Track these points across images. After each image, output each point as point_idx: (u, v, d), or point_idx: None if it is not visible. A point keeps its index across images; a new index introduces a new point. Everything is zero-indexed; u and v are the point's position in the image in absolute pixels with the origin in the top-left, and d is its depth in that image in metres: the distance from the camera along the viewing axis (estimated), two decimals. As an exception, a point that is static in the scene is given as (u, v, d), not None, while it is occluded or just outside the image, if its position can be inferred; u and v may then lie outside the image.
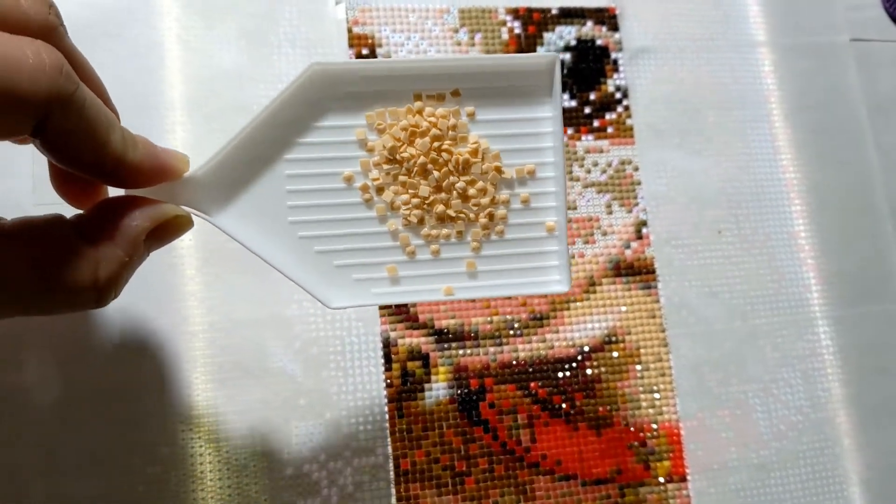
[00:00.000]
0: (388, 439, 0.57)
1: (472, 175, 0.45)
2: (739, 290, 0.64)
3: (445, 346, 0.59)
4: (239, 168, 0.43)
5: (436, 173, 0.45)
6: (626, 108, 0.66)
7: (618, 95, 0.66)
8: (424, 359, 0.58)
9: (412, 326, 0.59)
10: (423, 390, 0.58)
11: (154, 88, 0.60)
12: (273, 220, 0.43)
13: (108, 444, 0.54)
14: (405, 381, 0.58)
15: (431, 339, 0.59)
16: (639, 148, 0.65)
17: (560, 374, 0.60)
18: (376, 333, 0.59)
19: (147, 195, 0.41)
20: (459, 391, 0.59)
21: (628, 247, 0.63)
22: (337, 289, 0.44)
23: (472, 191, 0.45)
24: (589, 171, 0.64)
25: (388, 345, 0.58)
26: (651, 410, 0.61)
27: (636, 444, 0.60)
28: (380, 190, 0.44)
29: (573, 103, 0.66)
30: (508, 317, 0.61)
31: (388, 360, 0.58)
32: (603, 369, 0.61)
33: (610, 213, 0.64)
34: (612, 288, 0.62)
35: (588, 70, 0.66)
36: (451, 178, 0.44)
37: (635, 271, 0.63)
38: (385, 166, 0.44)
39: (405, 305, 0.59)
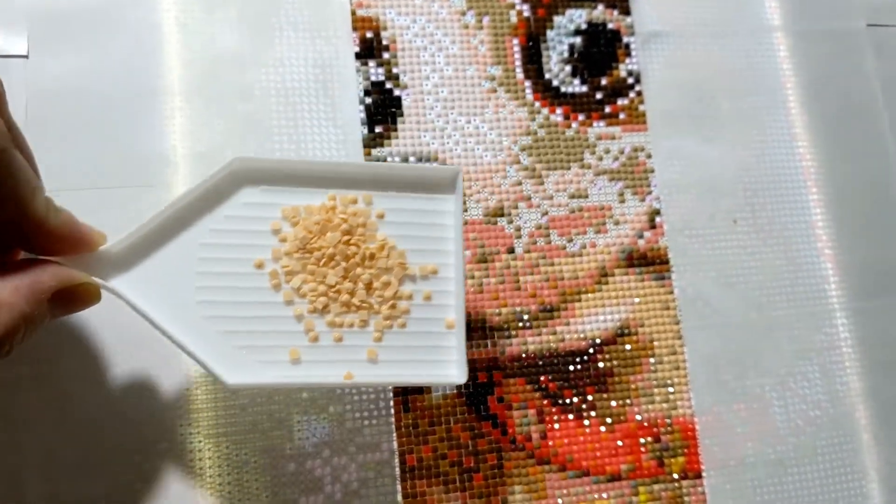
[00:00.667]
0: (394, 434, 0.55)
1: (377, 269, 0.48)
2: (755, 281, 0.62)
3: None
4: (153, 247, 0.45)
5: (343, 264, 0.48)
6: (639, 93, 0.64)
7: (630, 81, 0.64)
8: None
9: (418, 318, 0.56)
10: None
11: (152, 73, 0.57)
12: (181, 299, 0.45)
13: (105, 442, 0.51)
14: None
15: None
16: (652, 135, 0.63)
17: (571, 368, 0.58)
18: (381, 325, 0.56)
19: (60, 262, 0.42)
20: (467, 385, 0.56)
21: (641, 236, 0.61)
22: (237, 368, 0.45)
23: (377, 283, 0.48)
24: (601, 159, 0.62)
25: None
26: (665, 405, 0.58)
27: (650, 439, 0.58)
28: (289, 277, 0.47)
29: (584, 88, 0.63)
30: (518, 308, 0.58)
31: None
32: (615, 363, 0.58)
33: (622, 201, 0.61)
34: (624, 279, 0.60)
35: (599, 54, 0.64)
36: (358, 269, 0.48)
37: (648, 262, 0.60)
38: (296, 255, 0.47)
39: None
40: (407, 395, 0.55)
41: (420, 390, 0.56)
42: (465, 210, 0.54)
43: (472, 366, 0.57)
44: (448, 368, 0.48)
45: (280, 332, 0.47)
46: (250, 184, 0.48)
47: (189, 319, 0.45)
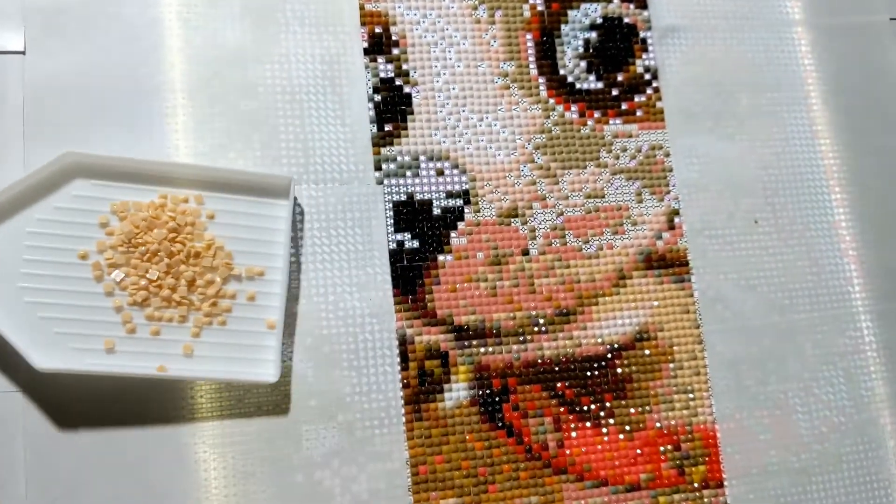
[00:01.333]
0: (406, 444, 0.52)
1: (202, 267, 0.49)
2: (777, 283, 0.60)
3: (466, 343, 0.54)
4: None
5: (167, 261, 0.49)
6: (656, 89, 0.61)
7: (647, 76, 0.61)
8: (443, 357, 0.54)
9: (430, 323, 0.54)
10: (442, 391, 0.54)
11: (153, 69, 0.55)
12: (4, 283, 0.47)
13: (108, 453, 0.49)
14: (423, 381, 0.53)
15: (451, 336, 0.54)
16: (670, 132, 0.60)
17: (588, 374, 0.55)
18: (391, 330, 0.54)
19: None
20: (481, 392, 0.54)
21: (660, 237, 0.58)
22: (51, 353, 0.47)
23: (200, 281, 0.49)
24: (617, 157, 0.59)
25: (404, 342, 0.53)
26: (685, 412, 0.56)
27: (670, 447, 0.55)
28: (111, 269, 0.48)
29: (600, 85, 0.60)
30: (533, 312, 0.55)
31: (404, 358, 0.53)
32: (634, 368, 0.56)
33: (640, 201, 0.59)
34: (642, 281, 0.57)
35: (615, 50, 0.61)
36: (182, 266, 0.49)
37: (667, 263, 0.58)
38: (120, 249, 0.48)
39: (422, 299, 0.54)
40: (419, 404, 0.53)
41: (431, 397, 0.53)
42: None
43: (487, 373, 0.54)
44: (264, 367, 0.50)
45: (97, 322, 0.49)
46: (83, 177, 0.50)
47: (11, 303, 0.47)
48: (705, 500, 0.55)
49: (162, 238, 0.50)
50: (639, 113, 0.60)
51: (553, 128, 0.59)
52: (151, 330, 0.49)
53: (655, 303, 0.58)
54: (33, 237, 0.49)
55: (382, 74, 0.57)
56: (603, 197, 0.58)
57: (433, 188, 0.56)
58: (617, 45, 0.61)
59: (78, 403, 0.50)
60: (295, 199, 0.53)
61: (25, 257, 0.48)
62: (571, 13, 0.61)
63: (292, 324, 0.53)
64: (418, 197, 0.56)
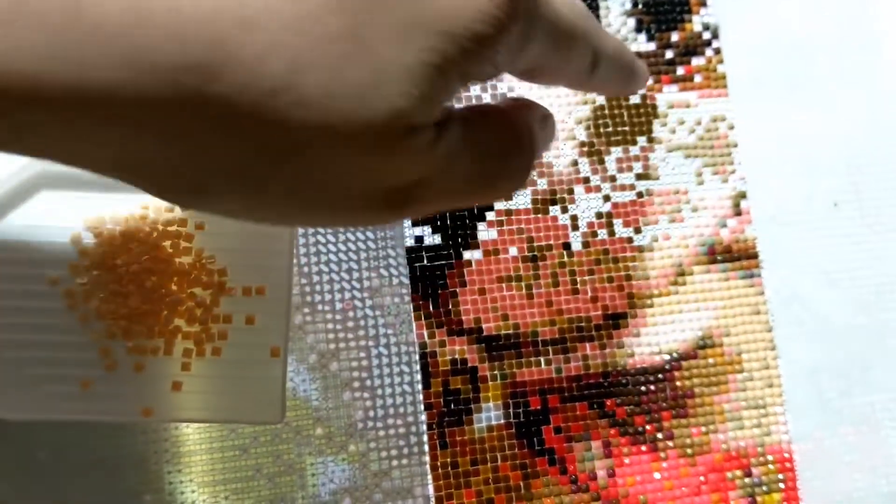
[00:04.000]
0: (429, 476, 0.44)
1: (190, 287, 0.41)
2: (863, 278, 0.50)
3: (497, 355, 0.46)
4: None
5: (150, 281, 0.41)
6: (717, 51, 0.50)
7: (706, 36, 0.51)
8: (472, 373, 0.45)
9: (455, 332, 0.45)
10: (470, 413, 0.45)
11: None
12: None
13: (81, 491, 0.41)
14: (448, 401, 0.45)
15: (480, 347, 0.45)
16: (734, 101, 0.50)
17: (643, 389, 0.47)
18: (411, 342, 0.44)
19: None
20: (516, 413, 0.45)
21: (724, 225, 0.48)
22: (21, 399, 0.39)
23: (189, 304, 0.41)
24: (673, 131, 0.49)
25: (425, 356, 0.44)
26: (757, 431, 0.47)
27: (739, 473, 0.47)
28: (87, 297, 0.40)
29: (651, 46, 0.50)
30: (576, 317, 0.45)
31: (426, 375, 0.45)
32: (696, 381, 0.47)
33: (701, 183, 0.48)
34: (705, 278, 0.48)
35: (668, 5, 0.50)
36: (165, 289, 0.41)
37: (734, 256, 0.48)
38: (95, 272, 0.40)
39: (446, 304, 0.44)
40: (444, 429, 0.43)
41: (458, 421, 0.43)
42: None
43: (523, 390, 0.44)
44: (266, 404, 0.41)
45: (73, 360, 0.40)
46: (52, 188, 0.42)
47: None
48: (781, 533, 0.45)
49: (142, 255, 0.41)
50: (697, 79, 0.50)
51: (597, 98, 0.48)
52: (134, 365, 0.40)
53: (720, 303, 0.48)
54: None
55: (395, 39, 0.47)
56: (657, 178, 0.49)
57: None
58: (671, -1, 0.50)
59: (47, 443, 0.41)
60: None
61: None
62: (616, -38, 0.50)
63: (298, 339, 0.43)
64: None
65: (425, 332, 0.45)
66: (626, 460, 0.45)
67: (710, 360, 0.47)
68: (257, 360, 0.42)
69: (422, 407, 0.44)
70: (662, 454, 0.46)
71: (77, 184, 0.42)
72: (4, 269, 0.41)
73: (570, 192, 0.48)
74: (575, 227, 0.47)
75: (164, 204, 0.42)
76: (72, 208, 0.42)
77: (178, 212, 0.43)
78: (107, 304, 0.41)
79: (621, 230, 0.48)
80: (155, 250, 0.42)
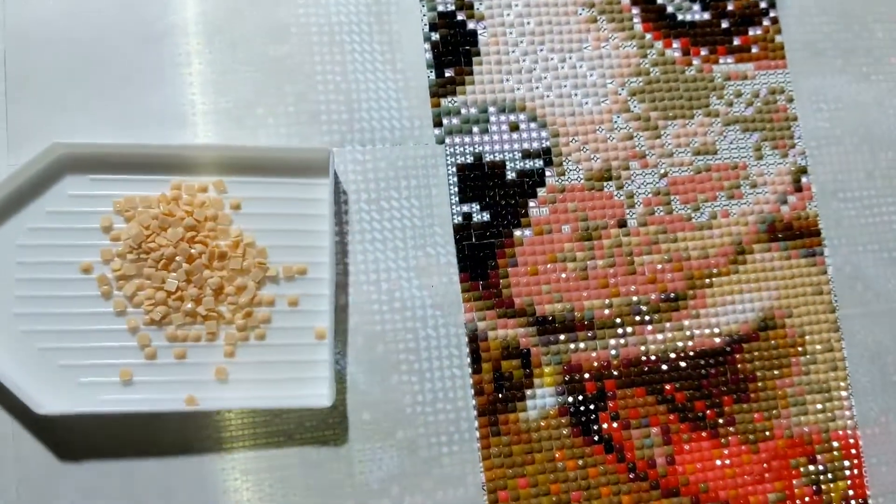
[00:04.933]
0: (481, 465, 0.42)
1: (230, 270, 0.40)
2: (930, 256, 0.46)
3: (551, 338, 0.43)
4: None
5: (187, 266, 0.39)
6: (774, 20, 0.47)
7: (763, 4, 0.48)
8: (524, 356, 0.42)
9: (506, 314, 0.42)
10: (523, 398, 0.42)
11: (160, 10, 0.42)
12: None
13: (116, 487, 0.39)
14: (500, 386, 0.42)
15: (532, 330, 0.42)
16: (792, 72, 0.47)
17: (703, 373, 0.43)
18: (460, 324, 0.41)
19: None
20: (572, 399, 0.43)
21: (785, 202, 0.45)
22: (56, 392, 0.38)
23: (229, 288, 0.40)
24: (731, 104, 0.46)
25: (475, 339, 0.41)
26: (821, 416, 0.45)
27: (803, 460, 0.44)
28: (121, 283, 0.39)
29: (706, 15, 0.47)
30: (633, 298, 0.43)
31: (476, 358, 0.42)
32: (757, 364, 0.45)
33: (760, 157, 0.45)
34: (765, 256, 0.45)
35: (723, -28, 0.47)
36: (206, 272, 0.40)
37: (795, 234, 0.45)
38: (129, 256, 0.39)
39: (496, 285, 0.41)
40: (496, 415, 0.41)
41: (511, 406, 0.41)
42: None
43: (578, 375, 0.41)
44: (315, 388, 0.39)
45: (109, 349, 0.39)
46: (76, 172, 0.40)
47: (3, 335, 0.38)
48: (847, 523, 0.42)
49: (178, 239, 0.39)
50: (755, 49, 0.47)
51: (651, 69, 0.46)
52: (175, 353, 0.39)
53: (782, 283, 0.44)
54: (25, 252, 0.39)
55: (441, 7, 0.45)
56: (715, 153, 0.46)
57: (506, 147, 0.44)
58: (726, -35, 0.47)
59: (82, 433, 0.39)
60: (336, 175, 0.42)
61: (18, 277, 0.39)
62: (668, -72, 0.47)
63: (342, 321, 0.40)
64: (488, 158, 0.43)
65: (475, 315, 0.42)
66: (686, 447, 0.43)
67: (772, 342, 0.44)
68: (303, 344, 0.40)
69: (472, 392, 0.42)
70: (723, 440, 0.43)
71: (103, 166, 0.40)
72: (34, 257, 0.39)
73: (626, 167, 0.45)
74: (631, 205, 0.44)
75: (196, 184, 0.40)
76: (100, 192, 0.40)
77: (212, 192, 0.41)
78: (143, 290, 0.40)
79: (679, 207, 0.45)
80: (191, 233, 0.40)
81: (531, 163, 0.44)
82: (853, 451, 0.44)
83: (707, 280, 0.44)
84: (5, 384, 0.37)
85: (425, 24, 0.45)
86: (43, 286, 0.39)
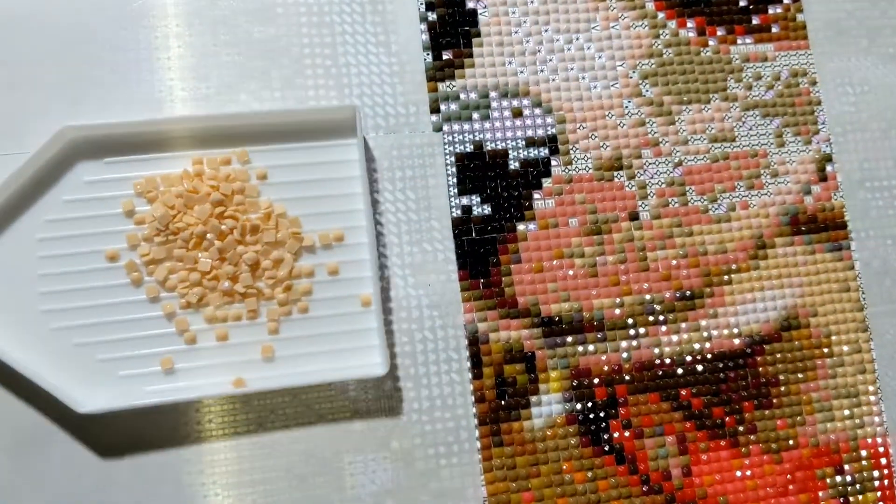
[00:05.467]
0: (482, 478, 0.39)
1: (264, 244, 0.38)
2: (964, 250, 0.42)
3: (558, 341, 0.40)
4: None
5: (218, 243, 0.38)
6: (796, -2, 0.44)
7: (783, -19, 0.44)
8: (528, 360, 0.40)
9: (509, 314, 0.39)
10: (528, 405, 0.39)
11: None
12: (21, 311, 0.36)
13: (100, 493, 0.36)
14: (502, 392, 0.39)
15: (537, 331, 0.40)
16: (815, 54, 0.44)
17: (721, 377, 0.40)
18: (459, 326, 0.39)
19: None
20: (580, 405, 0.40)
21: (808, 192, 0.42)
22: (97, 387, 0.36)
23: (265, 262, 0.38)
24: (750, 87, 0.42)
25: (476, 342, 0.39)
26: (848, 423, 0.42)
27: (830, 471, 0.41)
28: (151, 268, 0.37)
29: (723, -7, 0.43)
30: (647, 297, 0.39)
31: (476, 363, 0.39)
32: (780, 367, 0.42)
33: (781, 145, 0.42)
34: (788, 251, 0.42)
35: (741, -54, 0.44)
36: (239, 248, 0.38)
37: (820, 226, 0.42)
38: (157, 239, 0.37)
39: (498, 283, 0.38)
40: (498, 423, 0.38)
41: (514, 414, 0.38)
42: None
43: (586, 379, 0.38)
44: (367, 357, 0.38)
45: (147, 338, 0.37)
46: (89, 157, 0.38)
47: (33, 334, 0.36)
48: (877, 538, 0.39)
49: (206, 216, 0.38)
50: (775, 29, 0.45)
51: (664, 50, 0.43)
52: (217, 335, 0.37)
53: (806, 279, 0.42)
54: (46, 245, 0.38)
55: (438, -16, 0.41)
56: (733, 140, 0.43)
57: (509, 134, 0.41)
58: (744, -61, 0.44)
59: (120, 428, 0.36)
60: (364, 136, 0.39)
61: (41, 272, 0.37)
62: None
63: (386, 287, 0.40)
64: (489, 147, 0.41)
65: (475, 315, 0.39)
66: (704, 457, 0.39)
67: (796, 344, 0.41)
68: (349, 313, 0.39)
69: (472, 398, 0.38)
70: (744, 450, 0.40)
71: (117, 148, 0.38)
72: (56, 250, 0.37)
73: (638, 156, 0.41)
74: (643, 196, 0.41)
75: (219, 157, 0.39)
76: (117, 175, 0.38)
77: (235, 164, 0.39)
78: (175, 273, 0.38)
79: (695, 199, 0.42)
80: (219, 208, 0.38)
81: (536, 151, 0.41)
82: (883, 460, 0.41)
83: (725, 277, 0.41)
84: (44, 386, 0.35)
85: (422, 4, 0.42)
86: (69, 279, 0.37)
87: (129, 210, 0.38)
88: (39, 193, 0.37)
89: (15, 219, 0.37)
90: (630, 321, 0.40)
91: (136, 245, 0.38)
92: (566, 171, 0.41)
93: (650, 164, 0.42)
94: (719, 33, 0.44)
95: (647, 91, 0.42)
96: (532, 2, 0.42)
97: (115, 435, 0.36)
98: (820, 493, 0.40)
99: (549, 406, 0.39)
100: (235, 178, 0.38)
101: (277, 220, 0.38)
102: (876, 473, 0.41)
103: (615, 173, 0.41)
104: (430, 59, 0.41)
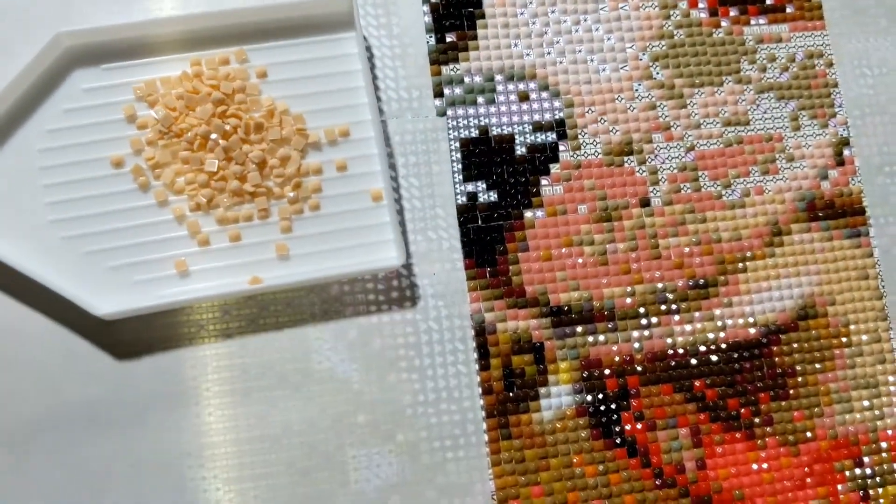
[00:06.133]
0: (490, 472, 0.37)
1: (270, 142, 0.38)
2: None
3: (567, 331, 0.39)
4: None
5: (223, 143, 0.37)
6: (811, -24, 0.42)
7: (798, -41, 0.42)
8: (537, 351, 0.38)
9: (517, 304, 0.38)
10: (536, 397, 0.38)
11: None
12: (29, 222, 0.36)
13: (102, 490, 0.35)
14: (510, 384, 0.38)
15: (546, 321, 0.39)
16: (832, 34, 0.44)
17: (736, 367, 0.40)
18: (465, 316, 0.37)
19: None
20: (590, 397, 0.38)
21: (825, 177, 0.41)
22: (113, 294, 0.36)
23: (272, 160, 0.38)
24: (764, 70, 0.41)
25: (483, 332, 0.38)
26: (868, 414, 0.40)
27: (849, 463, 0.40)
28: (157, 171, 0.37)
29: (736, -28, 0.42)
30: (659, 286, 0.38)
31: (484, 354, 0.38)
32: (797, 357, 0.40)
33: (797, 128, 0.41)
34: (805, 238, 0.41)
35: (754, -76, 0.42)
36: (245, 146, 0.38)
37: (837, 212, 0.41)
38: (160, 142, 0.37)
39: (505, 272, 0.37)
40: (507, 416, 0.36)
41: (523, 406, 0.37)
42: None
43: (597, 371, 0.37)
44: (382, 251, 0.38)
45: (159, 242, 0.37)
46: (87, 64, 0.38)
47: (43, 244, 0.36)
48: (898, 533, 0.38)
49: (209, 115, 0.37)
50: (789, 9, 0.43)
51: (675, 31, 0.42)
52: (229, 235, 0.37)
53: (823, 266, 0.40)
54: (49, 155, 0.37)
55: (441, -35, 0.40)
56: (747, 124, 0.42)
57: (515, 119, 0.40)
58: (757, -84, 0.42)
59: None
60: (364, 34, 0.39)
61: (45, 182, 0.37)
62: None
63: (394, 178, 0.39)
64: (495, 132, 0.40)
65: (482, 305, 0.38)
66: (719, 450, 0.38)
67: (813, 333, 0.40)
68: (361, 209, 0.38)
69: (479, 390, 0.37)
70: (760, 442, 0.39)
71: (111, 54, 0.38)
72: (60, 159, 0.37)
73: (649, 140, 0.40)
74: (655, 182, 0.40)
75: (217, 56, 0.38)
76: (116, 81, 0.38)
77: (233, 62, 0.39)
78: (182, 175, 0.38)
79: (708, 184, 0.40)
80: (221, 107, 0.38)
81: (543, 136, 0.40)
82: (904, 452, 0.39)
83: (740, 264, 0.40)
84: (63, 293, 0.34)
85: (424, -16, 0.40)
86: (75, 188, 0.37)
87: (130, 115, 0.37)
88: (38, 104, 0.38)
89: (15, 131, 0.37)
90: (642, 310, 0.39)
91: (140, 150, 0.37)
92: (575, 156, 0.40)
93: (661, 148, 0.40)
94: (732, 14, 0.42)
95: (657, 74, 0.41)
96: (539, -18, 0.41)
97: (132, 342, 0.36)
98: (839, 487, 0.39)
99: (558, 398, 0.38)
100: (235, 76, 0.38)
101: (281, 118, 0.38)
102: (896, 466, 0.39)
103: (625, 158, 0.40)
104: (433, 41, 0.40)
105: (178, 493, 0.35)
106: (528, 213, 0.39)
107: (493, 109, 0.40)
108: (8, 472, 0.34)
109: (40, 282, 0.34)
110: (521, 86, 0.40)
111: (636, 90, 0.41)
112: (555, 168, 0.40)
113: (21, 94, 0.37)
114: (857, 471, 0.39)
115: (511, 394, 0.37)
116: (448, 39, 0.40)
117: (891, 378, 0.40)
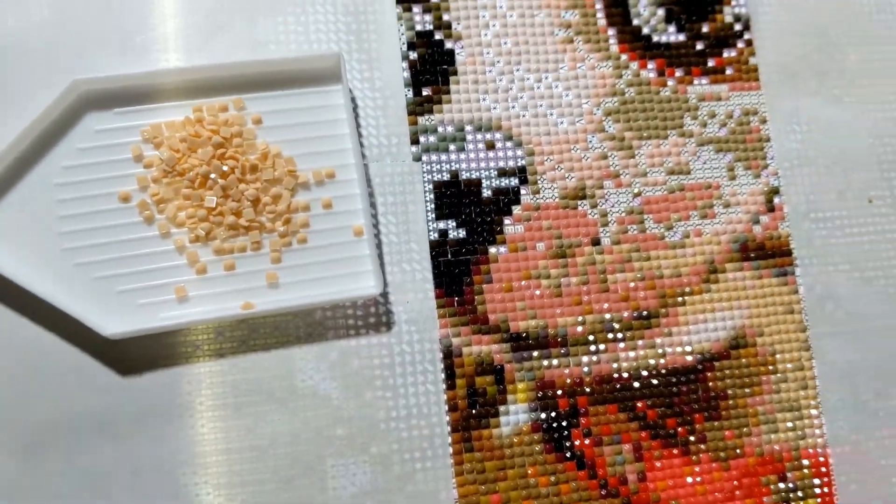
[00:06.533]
0: (454, 481, 0.41)
1: (263, 182, 0.41)
2: (899, 276, 0.46)
3: (525, 355, 0.43)
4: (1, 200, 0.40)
5: (222, 182, 0.41)
6: (749, 42, 0.47)
7: (737, 27, 0.48)
8: (498, 373, 0.42)
9: (481, 330, 0.42)
10: (497, 414, 0.42)
11: (140, 23, 0.42)
12: (44, 249, 0.40)
13: (96, 496, 0.38)
14: (474, 402, 0.42)
15: (506, 346, 0.42)
16: (766, 94, 0.47)
17: (675, 390, 0.43)
18: (434, 340, 0.41)
19: None
20: (545, 415, 0.42)
21: (757, 221, 0.45)
22: (119, 316, 0.39)
23: (265, 198, 0.41)
24: (705, 125, 0.46)
25: (450, 355, 0.41)
26: (791, 434, 0.44)
27: (774, 478, 0.44)
28: (161, 206, 0.41)
29: (681, 37, 0.47)
30: (606, 316, 0.42)
31: (450, 375, 0.42)
32: (729, 382, 0.44)
33: (733, 178, 0.45)
34: (737, 276, 0.44)
35: (699, -5, 0.47)
36: (241, 185, 0.41)
37: (767, 253, 0.45)
38: (164, 180, 0.41)
39: (471, 301, 0.41)
40: (470, 431, 0.40)
41: (484, 423, 0.40)
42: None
43: (551, 391, 0.41)
44: (362, 280, 0.41)
45: (161, 269, 0.40)
46: (99, 108, 0.41)
47: (57, 270, 0.39)
48: (817, 540, 0.42)
49: (209, 157, 0.41)
50: (729, 71, 0.47)
51: (626, 89, 0.45)
52: (224, 265, 0.40)
53: (754, 302, 0.44)
54: (64, 189, 0.40)
55: (419, 27, 0.44)
56: (688, 173, 0.45)
57: (482, 165, 0.44)
58: (701, -12, 0.47)
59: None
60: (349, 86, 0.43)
61: (61, 214, 0.40)
62: (645, -49, 0.47)
63: (374, 215, 0.43)
64: (464, 176, 0.43)
65: (450, 331, 0.42)
66: (658, 464, 0.42)
67: (743, 361, 0.44)
68: (343, 242, 0.42)
69: (446, 408, 0.41)
70: (695, 458, 0.43)
71: (121, 99, 0.41)
72: (73, 193, 0.40)
73: (600, 186, 0.45)
74: (605, 223, 0.44)
75: (217, 104, 0.42)
76: (125, 124, 0.41)
77: (232, 110, 0.42)
78: (183, 210, 0.41)
79: (652, 226, 0.45)
80: (220, 150, 0.41)
81: (507, 181, 0.44)
82: (823, 469, 0.44)
83: (679, 298, 0.44)
84: (74, 314, 0.38)
85: (403, 44, 0.44)
86: (87, 219, 0.40)
87: (137, 155, 0.41)
88: (54, 142, 0.40)
89: (33, 166, 0.40)
90: (591, 338, 0.43)
91: (146, 186, 0.40)
92: (534, 199, 0.44)
93: (611, 193, 0.45)
94: (677, 74, 0.47)
95: (609, 127, 0.45)
96: (505, 43, 0.45)
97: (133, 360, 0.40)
98: (765, 499, 0.43)
99: (516, 415, 0.42)
100: (233, 122, 0.41)
101: (274, 160, 0.41)
102: (816, 481, 0.44)
103: (579, 202, 0.44)
104: (410, 94, 0.44)
105: (173, 497, 0.38)
106: (492, 249, 0.43)
107: (463, 156, 0.44)
108: (21, 476, 0.38)
109: (54, 304, 0.38)
110: (489, 136, 0.44)
111: (590, 141, 0.45)
112: (517, 209, 0.44)
113: (40, 132, 0.40)
114: (781, 485, 0.43)
115: (474, 411, 0.41)
116: (424, 93, 0.44)
117: (812, 402, 0.44)
